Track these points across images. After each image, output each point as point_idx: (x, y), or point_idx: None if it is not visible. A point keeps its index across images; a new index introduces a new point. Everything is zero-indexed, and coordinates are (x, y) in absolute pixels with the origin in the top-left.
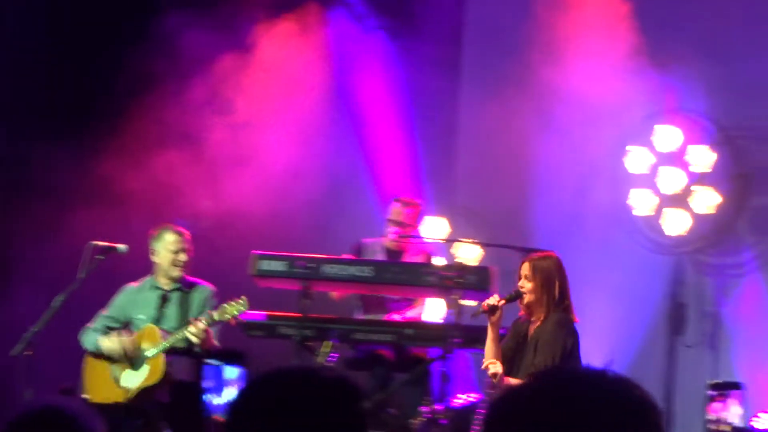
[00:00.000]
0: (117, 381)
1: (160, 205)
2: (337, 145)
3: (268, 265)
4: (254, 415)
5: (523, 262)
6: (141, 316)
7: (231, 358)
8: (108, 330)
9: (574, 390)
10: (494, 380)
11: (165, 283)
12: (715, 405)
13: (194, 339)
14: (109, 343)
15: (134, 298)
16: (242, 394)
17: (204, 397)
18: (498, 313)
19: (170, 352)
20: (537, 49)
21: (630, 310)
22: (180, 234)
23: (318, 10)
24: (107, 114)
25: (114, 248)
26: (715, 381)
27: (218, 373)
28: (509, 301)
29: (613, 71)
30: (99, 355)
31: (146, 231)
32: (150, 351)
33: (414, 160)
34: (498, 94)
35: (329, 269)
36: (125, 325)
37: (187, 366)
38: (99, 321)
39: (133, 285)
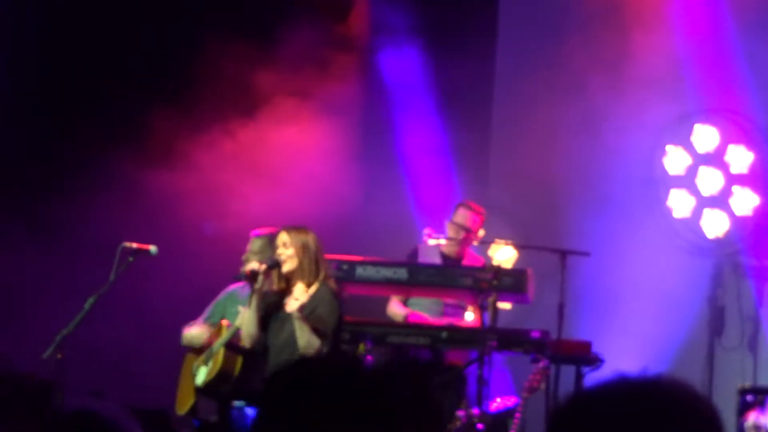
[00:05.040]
0: (194, 378)
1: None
2: (373, 149)
3: None
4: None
5: (279, 232)
6: (233, 310)
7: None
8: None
9: (650, 398)
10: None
11: None
12: (753, 410)
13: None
14: (193, 329)
15: (234, 296)
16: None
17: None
18: (260, 279)
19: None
20: (573, 50)
21: (669, 312)
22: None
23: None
24: (134, 116)
25: (145, 250)
26: (751, 385)
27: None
28: (270, 268)
29: (651, 70)
30: (189, 347)
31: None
32: (216, 345)
33: (446, 158)
34: (532, 95)
35: (363, 271)
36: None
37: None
38: (199, 319)
39: (238, 285)
